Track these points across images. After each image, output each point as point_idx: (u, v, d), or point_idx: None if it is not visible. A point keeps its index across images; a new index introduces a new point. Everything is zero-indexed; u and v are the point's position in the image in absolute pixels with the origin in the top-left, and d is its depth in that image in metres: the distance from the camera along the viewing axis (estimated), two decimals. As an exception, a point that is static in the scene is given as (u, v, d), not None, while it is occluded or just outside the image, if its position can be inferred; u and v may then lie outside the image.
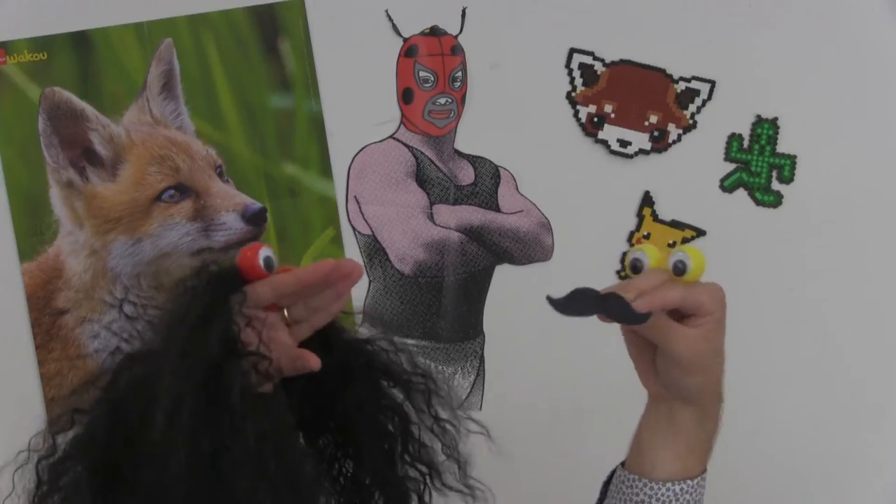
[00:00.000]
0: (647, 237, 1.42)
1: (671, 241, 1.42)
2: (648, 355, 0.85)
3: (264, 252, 0.78)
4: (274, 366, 0.77)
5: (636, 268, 0.81)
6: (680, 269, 0.80)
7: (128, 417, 0.73)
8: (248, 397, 0.73)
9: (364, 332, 0.85)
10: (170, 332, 0.74)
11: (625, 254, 1.43)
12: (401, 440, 0.85)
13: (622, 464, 0.90)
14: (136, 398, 0.73)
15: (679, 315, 0.81)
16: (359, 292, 1.44)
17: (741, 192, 1.42)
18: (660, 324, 0.80)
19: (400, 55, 1.42)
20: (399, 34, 1.42)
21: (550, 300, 0.79)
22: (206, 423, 0.71)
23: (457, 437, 0.86)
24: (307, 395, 0.83)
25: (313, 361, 0.78)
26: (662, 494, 0.84)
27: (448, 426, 0.86)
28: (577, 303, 0.79)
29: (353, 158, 1.43)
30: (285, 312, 0.80)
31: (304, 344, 0.81)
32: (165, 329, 0.75)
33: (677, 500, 0.84)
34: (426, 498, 0.86)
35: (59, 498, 0.76)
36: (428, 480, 0.86)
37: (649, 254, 0.81)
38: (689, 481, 0.85)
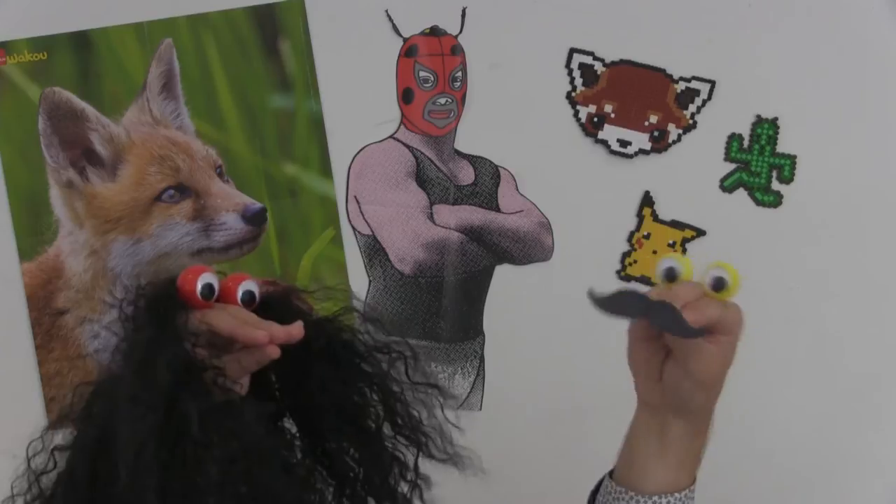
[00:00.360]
0: (647, 237, 1.42)
1: (671, 241, 1.42)
2: (655, 365, 0.84)
3: (203, 280, 0.76)
4: (232, 372, 0.76)
5: (671, 276, 0.80)
6: (719, 286, 0.80)
7: (102, 461, 0.72)
8: (210, 422, 0.72)
9: (328, 308, 0.83)
10: (119, 370, 0.73)
11: (625, 255, 1.43)
12: (379, 414, 0.83)
13: (610, 473, 0.89)
14: (103, 443, 0.73)
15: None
16: (359, 292, 1.44)
17: (741, 192, 1.42)
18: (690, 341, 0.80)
19: (400, 55, 1.42)
20: (399, 34, 1.42)
21: (593, 297, 0.77)
22: (171, 462, 0.70)
23: (434, 404, 0.85)
24: (279, 384, 0.83)
25: (272, 351, 0.76)
26: None
27: (428, 392, 0.84)
28: (622, 304, 0.78)
29: (353, 158, 1.43)
30: None
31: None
32: (115, 370, 0.74)
33: None
34: (408, 472, 0.85)
35: None
36: (411, 452, 0.84)
37: (683, 264, 0.81)
38: (676, 494, 0.85)
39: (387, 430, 0.84)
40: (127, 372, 0.72)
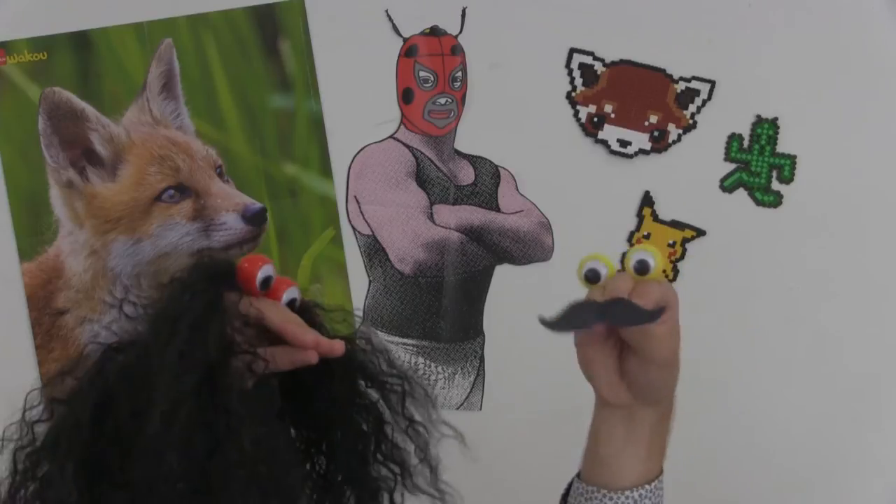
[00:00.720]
0: (647, 237, 1.42)
1: (671, 241, 1.42)
2: (612, 365, 0.84)
3: (265, 272, 0.78)
4: (270, 364, 0.77)
5: (594, 278, 0.81)
6: (643, 269, 0.80)
7: (118, 412, 0.73)
8: (245, 399, 0.73)
9: (342, 330, 0.85)
10: (166, 329, 0.73)
11: (624, 254, 1.43)
12: (374, 439, 0.85)
13: (577, 475, 0.89)
14: (126, 393, 0.73)
15: None
16: (359, 292, 1.44)
17: (741, 192, 1.42)
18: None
19: (400, 55, 1.42)
20: (399, 34, 1.42)
21: (544, 322, 0.78)
22: (202, 425, 0.71)
23: (428, 441, 0.86)
24: (285, 390, 0.83)
25: (312, 356, 0.77)
26: (622, 502, 0.85)
27: (421, 429, 0.86)
28: (575, 317, 0.78)
29: (353, 158, 1.43)
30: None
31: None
32: (160, 325, 0.74)
33: None
34: (397, 498, 0.86)
35: (34, 488, 0.75)
36: (399, 480, 0.86)
37: (605, 262, 0.81)
38: (647, 486, 0.85)
39: (379, 455, 0.85)
40: (178, 328, 0.73)
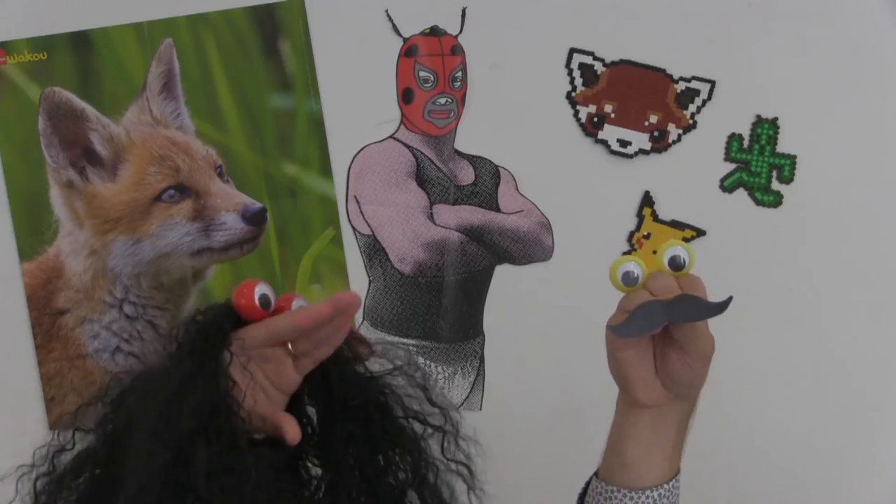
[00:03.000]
0: (647, 237, 1.42)
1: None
2: (648, 364, 0.84)
3: (259, 291, 0.77)
4: (252, 427, 0.77)
5: (632, 280, 0.81)
6: (678, 265, 0.80)
7: (119, 450, 0.74)
8: (216, 479, 0.72)
9: (374, 367, 0.84)
10: (146, 400, 0.74)
11: (625, 255, 1.43)
12: (394, 477, 0.84)
13: (596, 475, 0.89)
14: (117, 450, 0.74)
15: None
16: (359, 292, 1.44)
17: (741, 192, 1.42)
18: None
19: (400, 55, 1.42)
20: (399, 34, 1.42)
21: (613, 328, 0.78)
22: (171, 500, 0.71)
23: (471, 479, 0.86)
24: (308, 423, 0.83)
25: (290, 435, 0.77)
26: (643, 502, 0.85)
27: (462, 468, 0.85)
28: (643, 320, 0.78)
29: (353, 158, 1.43)
30: (289, 346, 0.80)
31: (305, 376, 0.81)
32: (144, 393, 0.75)
33: None
34: None
35: None
36: None
37: (639, 263, 0.81)
38: (665, 485, 0.85)
39: (412, 497, 0.85)
40: (154, 408, 0.73)
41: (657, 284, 0.80)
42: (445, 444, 0.85)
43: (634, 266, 0.80)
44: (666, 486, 0.85)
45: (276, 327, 0.77)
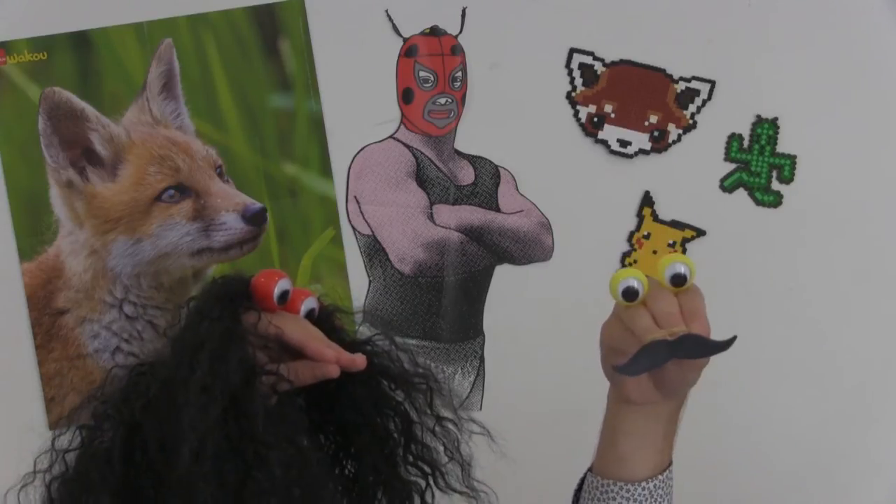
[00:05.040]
0: (647, 237, 1.42)
1: (671, 241, 1.42)
2: None
3: (281, 286, 0.78)
4: (293, 380, 0.78)
5: (632, 296, 0.80)
6: (680, 282, 0.80)
7: (147, 443, 0.73)
8: (271, 423, 0.73)
9: (364, 332, 0.85)
10: (186, 360, 0.74)
11: (625, 255, 1.43)
12: (402, 441, 0.85)
13: (590, 470, 0.90)
14: (153, 424, 0.73)
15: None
16: (359, 292, 1.44)
17: (741, 192, 1.42)
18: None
19: (400, 55, 1.42)
20: (399, 34, 1.42)
21: (618, 369, 0.78)
22: (231, 455, 0.72)
23: (459, 438, 0.86)
24: (310, 398, 0.83)
25: (334, 370, 0.78)
26: (639, 494, 0.85)
27: (450, 426, 0.86)
28: (648, 359, 0.78)
29: (353, 158, 1.43)
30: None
31: None
32: (181, 355, 0.75)
33: (652, 496, 0.86)
34: (428, 498, 0.86)
35: None
36: (430, 481, 0.86)
37: (639, 278, 0.81)
38: (659, 476, 0.86)
39: (409, 457, 0.85)
40: (199, 359, 0.73)
41: (658, 308, 0.79)
42: (432, 402, 0.86)
43: (635, 281, 0.80)
44: (660, 476, 0.86)
45: (287, 338, 0.78)
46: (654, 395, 0.85)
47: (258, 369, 0.75)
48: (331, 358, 0.77)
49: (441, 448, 0.86)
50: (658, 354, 0.78)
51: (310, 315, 0.81)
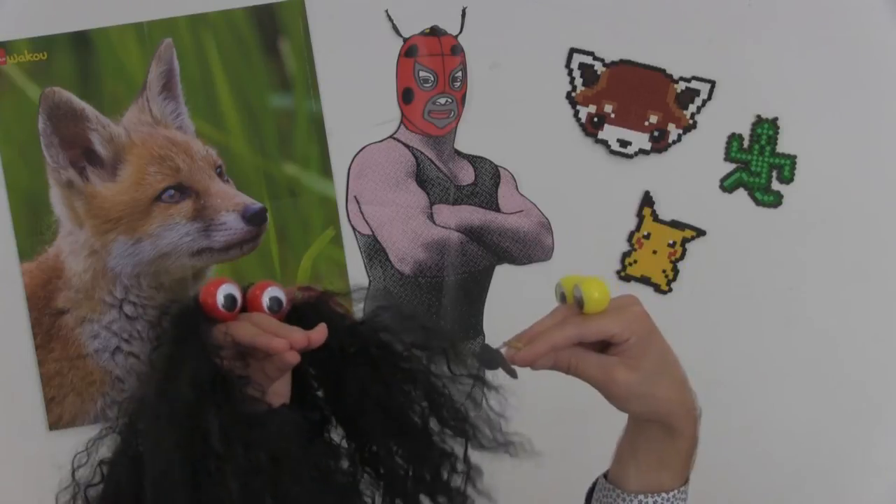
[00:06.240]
0: (647, 237, 1.42)
1: (671, 241, 1.42)
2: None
3: (223, 292, 0.76)
4: (258, 379, 0.77)
5: (274, 308, 0.80)
6: (579, 303, 0.80)
7: (144, 475, 0.73)
8: (233, 435, 0.72)
9: (359, 311, 0.83)
10: (145, 390, 0.74)
11: (625, 255, 1.43)
12: (428, 410, 0.82)
13: (605, 475, 0.90)
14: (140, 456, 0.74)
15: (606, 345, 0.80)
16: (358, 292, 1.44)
17: (741, 192, 1.42)
18: (575, 363, 0.80)
19: (400, 55, 1.42)
20: (399, 34, 1.42)
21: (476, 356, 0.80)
22: (197, 480, 0.71)
23: (485, 393, 0.84)
24: (320, 390, 0.83)
25: (290, 357, 0.76)
26: None
27: (469, 383, 0.84)
28: (485, 358, 0.80)
29: (353, 158, 1.43)
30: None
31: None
32: (142, 386, 0.75)
33: None
34: (458, 466, 0.84)
35: None
36: (461, 443, 0.83)
37: (564, 284, 0.81)
38: (663, 494, 0.85)
39: (434, 425, 0.83)
40: (149, 391, 0.73)
41: (542, 321, 0.82)
42: (450, 363, 0.84)
43: (559, 288, 0.82)
44: (664, 495, 0.85)
45: (237, 336, 0.77)
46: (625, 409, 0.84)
47: (222, 378, 0.73)
48: (280, 346, 0.75)
49: (463, 407, 0.83)
50: (491, 358, 0.78)
51: (278, 306, 0.79)
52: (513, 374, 0.78)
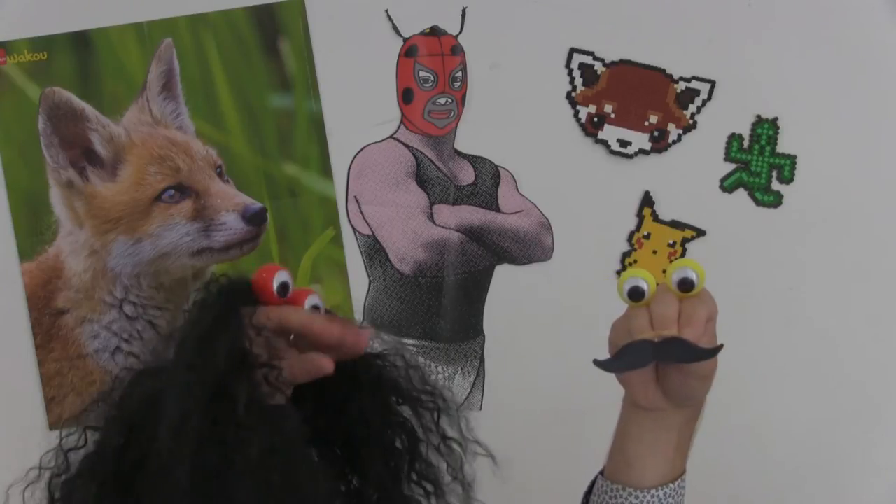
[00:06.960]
0: (647, 237, 1.42)
1: (671, 241, 1.42)
2: (649, 371, 0.84)
3: (280, 278, 0.77)
4: (285, 375, 0.77)
5: (637, 296, 0.80)
6: (687, 287, 0.79)
7: (139, 435, 0.73)
8: (256, 410, 0.72)
9: (376, 346, 0.84)
10: (180, 345, 0.74)
11: (625, 255, 1.43)
12: (407, 458, 0.84)
13: (601, 473, 0.90)
14: (147, 414, 0.73)
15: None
16: (359, 292, 1.44)
17: (741, 192, 1.42)
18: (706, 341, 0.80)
19: (400, 55, 1.42)
20: (399, 34, 1.42)
21: (598, 364, 0.78)
22: (211, 438, 0.71)
23: (463, 458, 0.85)
24: (317, 407, 0.83)
25: (326, 363, 0.76)
26: (647, 501, 0.85)
27: (455, 446, 0.85)
28: (630, 357, 0.78)
29: (353, 158, 1.43)
30: (290, 337, 0.80)
31: None
32: (177, 343, 0.75)
33: None
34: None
35: None
36: (432, 500, 0.85)
37: (646, 279, 0.80)
38: (671, 485, 0.86)
39: (413, 474, 0.85)
40: (187, 346, 0.73)
41: (656, 310, 0.79)
42: (440, 421, 0.85)
43: (642, 282, 0.80)
44: (671, 485, 0.86)
45: (287, 322, 0.77)
46: (662, 402, 0.84)
47: (250, 360, 0.74)
48: (338, 332, 0.76)
49: (444, 467, 0.85)
50: (640, 355, 0.78)
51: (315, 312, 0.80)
52: (709, 355, 0.76)
